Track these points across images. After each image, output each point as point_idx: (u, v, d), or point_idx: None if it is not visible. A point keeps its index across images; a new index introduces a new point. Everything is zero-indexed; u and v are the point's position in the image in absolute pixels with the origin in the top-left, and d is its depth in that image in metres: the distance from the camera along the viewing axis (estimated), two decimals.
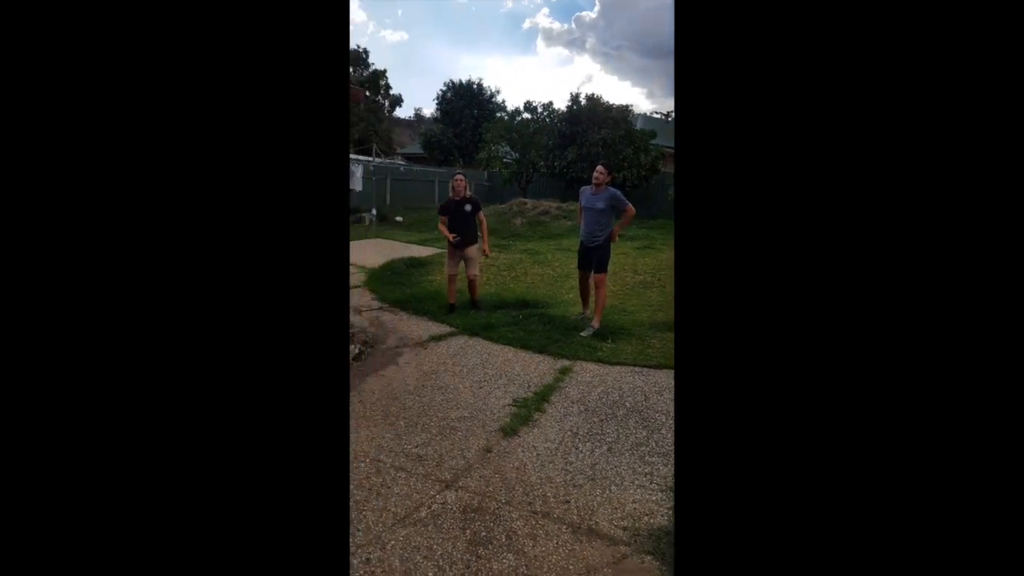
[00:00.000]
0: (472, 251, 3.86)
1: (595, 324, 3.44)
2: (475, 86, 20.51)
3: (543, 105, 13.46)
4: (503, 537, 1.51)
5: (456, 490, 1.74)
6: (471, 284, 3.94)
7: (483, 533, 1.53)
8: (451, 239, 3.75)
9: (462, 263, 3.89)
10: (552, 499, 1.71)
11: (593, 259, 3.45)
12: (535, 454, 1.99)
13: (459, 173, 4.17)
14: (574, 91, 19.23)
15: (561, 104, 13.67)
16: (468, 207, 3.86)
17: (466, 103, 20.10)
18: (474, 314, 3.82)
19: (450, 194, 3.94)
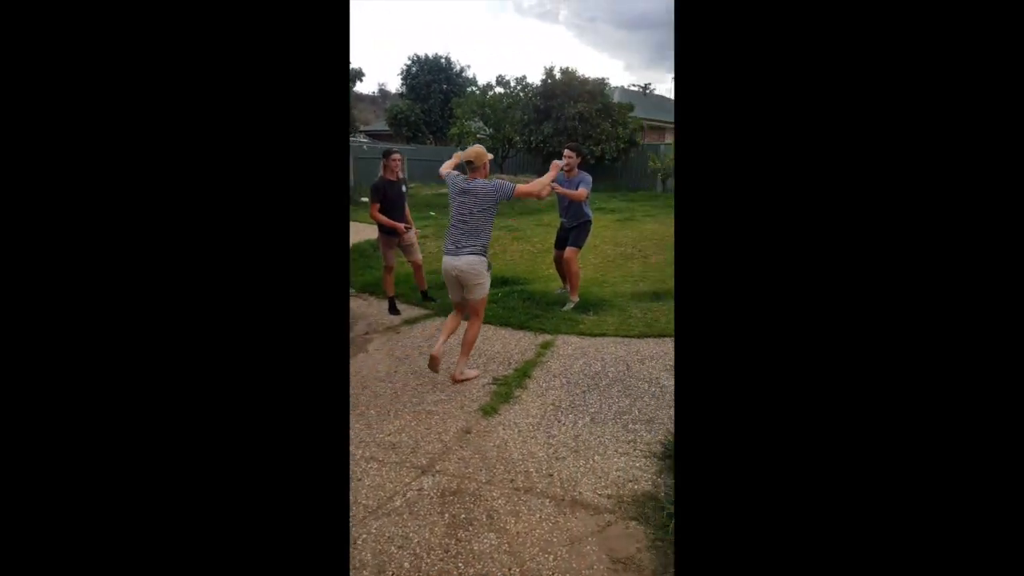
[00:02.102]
0: (411, 236, 3.40)
1: (574, 297, 3.38)
2: (443, 60, 19.84)
3: (516, 79, 13.12)
4: (484, 517, 1.46)
5: (433, 475, 1.68)
6: (416, 272, 3.48)
7: (462, 516, 1.47)
8: (401, 231, 3.25)
9: (398, 251, 3.42)
10: (535, 474, 1.67)
11: (571, 237, 3.37)
12: (516, 431, 1.94)
13: (395, 151, 3.52)
14: (548, 64, 18.69)
15: (535, 78, 13.33)
16: (404, 188, 3.41)
17: (434, 78, 19.43)
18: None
19: (382, 174, 3.36)
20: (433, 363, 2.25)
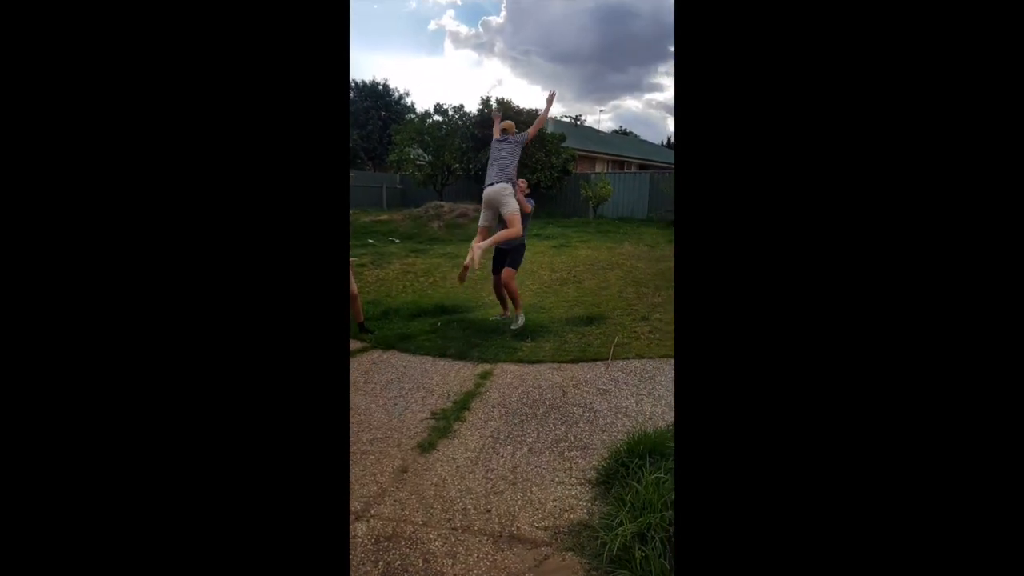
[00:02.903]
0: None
1: (519, 313, 3.55)
2: (381, 87, 19.80)
3: (454, 108, 13.36)
4: (420, 562, 1.43)
5: (367, 520, 1.62)
6: (352, 303, 3.38)
7: (398, 562, 1.42)
8: None
9: None
10: (472, 511, 1.65)
11: (507, 259, 3.53)
12: (455, 466, 1.92)
13: None
14: (484, 95, 19.30)
15: (472, 107, 13.65)
16: None
17: (372, 104, 19.32)
18: (388, 325, 3.64)
19: None
20: (463, 274, 3.28)
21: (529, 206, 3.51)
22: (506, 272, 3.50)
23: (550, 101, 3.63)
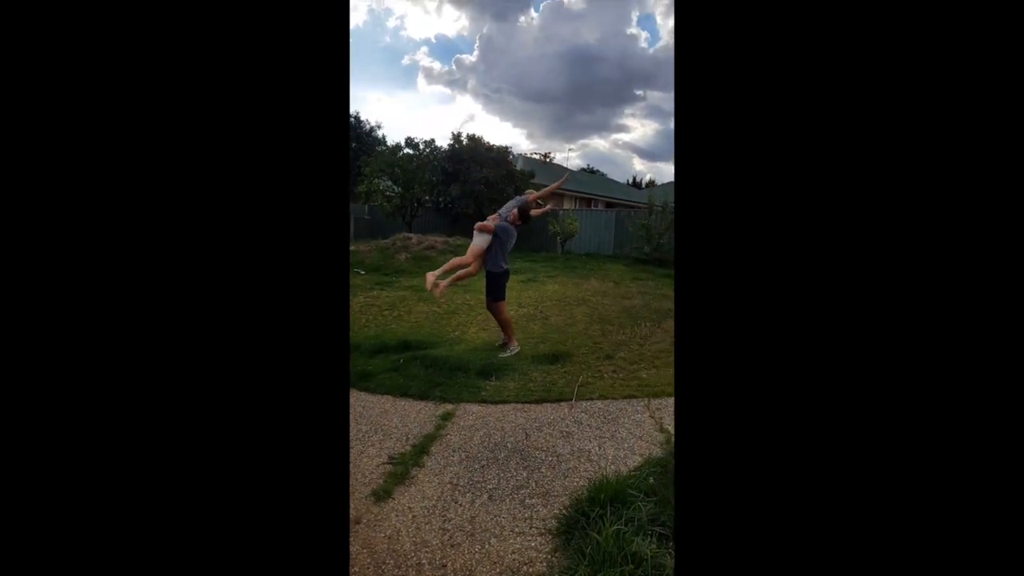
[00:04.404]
0: None
1: (511, 345, 3.70)
2: (353, 118, 19.96)
3: (425, 142, 13.59)
4: None
5: None
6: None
7: None
8: None
9: None
10: (427, 566, 1.57)
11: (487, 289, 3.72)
12: (410, 516, 1.83)
13: None
14: (455, 130, 19.80)
15: (443, 142, 13.94)
16: None
17: None
18: (350, 362, 3.52)
19: None
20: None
21: (489, 231, 3.64)
22: (487, 303, 3.74)
23: (562, 182, 4.47)
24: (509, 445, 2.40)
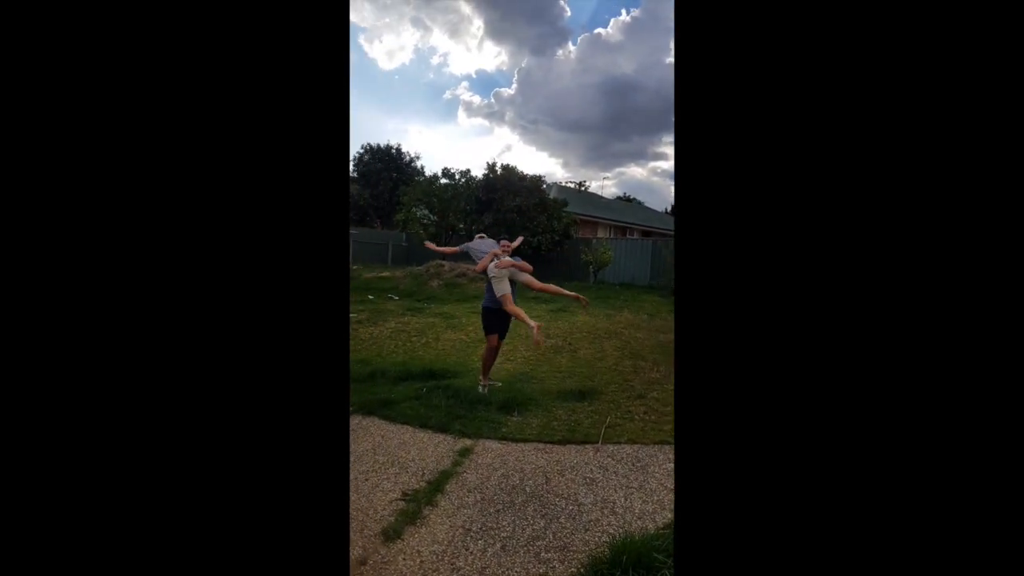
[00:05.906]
0: None
1: (484, 382, 3.52)
2: (394, 150, 20.91)
3: (461, 172, 13.98)
4: None
5: None
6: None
7: None
8: None
9: None
10: None
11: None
12: (418, 561, 1.73)
13: None
14: (491, 160, 20.38)
15: (478, 172, 14.30)
16: None
17: (384, 166, 20.33)
18: (373, 388, 3.51)
19: None
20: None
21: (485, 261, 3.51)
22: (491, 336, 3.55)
23: (518, 243, 3.84)
24: (528, 489, 2.27)
